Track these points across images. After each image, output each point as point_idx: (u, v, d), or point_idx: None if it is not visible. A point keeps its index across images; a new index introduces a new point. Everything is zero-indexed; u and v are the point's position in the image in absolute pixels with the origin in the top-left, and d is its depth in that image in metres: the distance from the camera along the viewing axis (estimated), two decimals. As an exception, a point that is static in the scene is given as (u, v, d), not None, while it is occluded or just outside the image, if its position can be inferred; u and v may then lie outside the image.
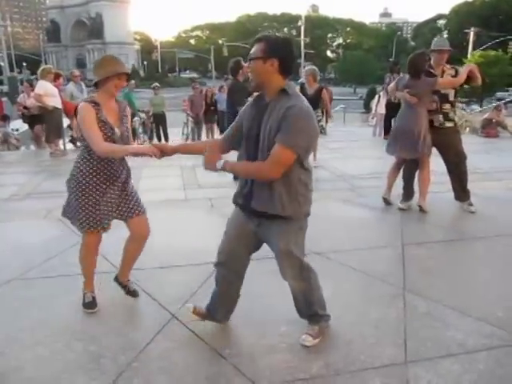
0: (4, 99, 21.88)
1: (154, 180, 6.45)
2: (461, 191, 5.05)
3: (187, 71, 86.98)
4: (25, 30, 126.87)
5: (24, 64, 53.30)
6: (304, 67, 47.30)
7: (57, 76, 8.63)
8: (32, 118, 9.43)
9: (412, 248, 4.02)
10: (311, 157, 6.56)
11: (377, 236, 4.36)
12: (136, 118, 11.89)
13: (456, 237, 4.33)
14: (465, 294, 3.24)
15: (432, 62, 4.83)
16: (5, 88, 28.76)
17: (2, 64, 34.81)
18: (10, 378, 2.41)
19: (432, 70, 4.79)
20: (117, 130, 2.80)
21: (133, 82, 12.70)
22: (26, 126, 14.56)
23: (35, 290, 3.29)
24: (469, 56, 36.61)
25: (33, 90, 8.91)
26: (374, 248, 4.04)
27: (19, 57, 55.48)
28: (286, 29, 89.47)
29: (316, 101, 6.69)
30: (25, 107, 9.56)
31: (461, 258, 3.89)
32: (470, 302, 3.11)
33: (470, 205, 5.01)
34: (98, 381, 2.38)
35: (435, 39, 5.06)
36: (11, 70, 37.71)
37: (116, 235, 4.07)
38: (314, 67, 7.50)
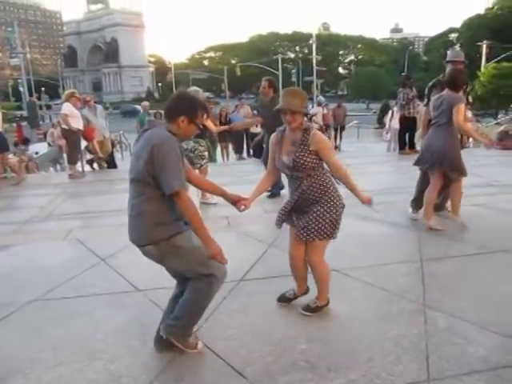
0: (24, 123, 22.52)
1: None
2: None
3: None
4: (43, 56, 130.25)
5: (42, 89, 54.63)
6: (316, 85, 47.20)
7: (77, 99, 8.87)
8: None
9: (431, 263, 3.97)
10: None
11: (395, 251, 4.32)
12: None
13: (476, 251, 4.27)
14: (486, 309, 3.18)
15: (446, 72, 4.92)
16: (24, 113, 29.45)
17: (22, 89, 35.77)
18: (32, 398, 2.44)
19: None
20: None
21: (147, 103, 12.93)
22: (45, 149, 14.96)
23: (56, 311, 3.33)
24: (482, 69, 36.43)
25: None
26: (393, 264, 4.00)
27: (38, 82, 56.94)
28: (297, 47, 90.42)
29: None
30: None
31: (481, 272, 3.82)
32: (492, 317, 3.05)
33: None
34: (118, 400, 2.39)
35: (450, 51, 5.14)
36: (30, 94, 38.69)
37: (133, 255, 4.12)
38: None
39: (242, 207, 2.87)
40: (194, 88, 6.45)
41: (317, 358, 2.66)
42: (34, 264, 4.23)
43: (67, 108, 8.40)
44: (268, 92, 6.15)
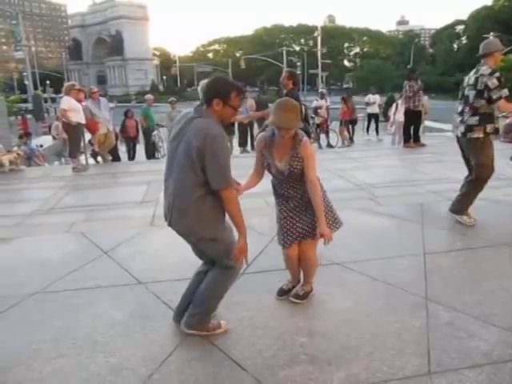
0: (28, 116, 22.57)
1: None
2: None
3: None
4: (48, 49, 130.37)
5: (47, 82, 54.63)
6: (321, 78, 46.93)
7: (79, 92, 8.81)
8: None
9: (434, 256, 3.95)
10: None
11: (398, 245, 4.30)
12: (155, 132, 12.07)
13: (479, 244, 4.24)
14: (489, 302, 3.16)
15: (490, 62, 4.57)
16: (29, 106, 29.47)
17: (27, 83, 35.78)
18: (33, 390, 2.45)
19: None
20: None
21: (151, 96, 12.87)
22: (50, 142, 14.98)
23: (58, 303, 3.34)
24: (489, 61, 36.11)
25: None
26: (395, 257, 3.98)
27: (43, 75, 56.98)
28: (302, 40, 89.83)
29: None
30: None
31: (484, 265, 3.79)
32: (495, 311, 3.04)
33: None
34: (119, 393, 2.40)
35: (487, 41, 4.83)
36: (35, 88, 38.71)
37: (135, 248, 4.14)
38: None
39: (236, 192, 2.89)
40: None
41: (317, 352, 2.66)
42: (36, 257, 4.24)
43: (66, 102, 8.33)
44: (287, 84, 6.03)
